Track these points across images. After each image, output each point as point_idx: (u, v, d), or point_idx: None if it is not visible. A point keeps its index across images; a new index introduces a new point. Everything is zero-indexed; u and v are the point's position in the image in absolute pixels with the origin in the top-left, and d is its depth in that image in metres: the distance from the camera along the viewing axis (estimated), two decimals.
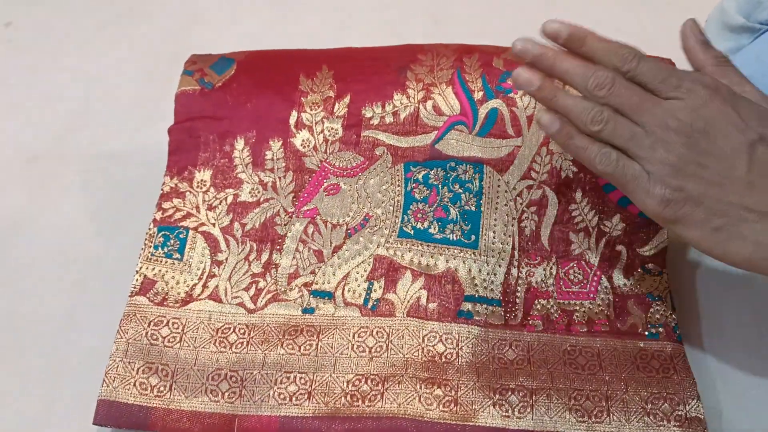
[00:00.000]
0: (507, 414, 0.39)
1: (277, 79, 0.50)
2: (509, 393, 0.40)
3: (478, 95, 0.47)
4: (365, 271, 0.45)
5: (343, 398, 0.40)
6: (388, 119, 0.47)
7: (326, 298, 0.44)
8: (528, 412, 0.39)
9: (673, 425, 0.38)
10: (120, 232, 0.54)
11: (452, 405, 0.40)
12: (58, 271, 0.52)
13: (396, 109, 0.47)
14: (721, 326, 0.46)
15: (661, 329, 0.42)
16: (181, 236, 0.47)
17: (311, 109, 0.48)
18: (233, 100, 0.49)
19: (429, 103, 0.47)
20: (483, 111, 0.47)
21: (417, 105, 0.47)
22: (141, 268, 0.46)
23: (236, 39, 0.74)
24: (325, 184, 0.47)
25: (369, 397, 0.40)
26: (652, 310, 0.43)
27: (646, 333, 0.42)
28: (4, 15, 0.77)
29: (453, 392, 0.40)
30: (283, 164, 0.48)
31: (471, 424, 0.39)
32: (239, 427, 0.40)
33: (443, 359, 0.41)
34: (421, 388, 0.40)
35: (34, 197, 0.58)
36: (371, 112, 0.48)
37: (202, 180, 0.48)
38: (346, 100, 0.48)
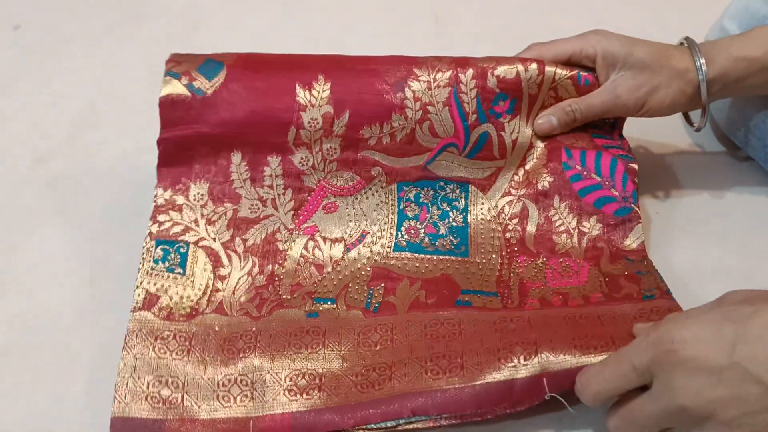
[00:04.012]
0: (514, 365, 0.39)
1: (272, 90, 0.48)
2: (513, 346, 0.40)
3: (472, 118, 0.49)
4: (365, 280, 0.46)
5: (353, 388, 0.41)
6: (385, 140, 0.48)
7: (329, 303, 0.45)
8: (533, 357, 0.39)
9: None
10: (128, 231, 0.55)
11: (458, 369, 0.40)
12: (67, 270, 0.53)
13: (393, 129, 0.48)
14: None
15: (655, 291, 0.44)
16: (181, 251, 0.47)
17: (310, 126, 0.48)
18: (226, 111, 0.47)
19: (425, 124, 0.48)
20: (474, 134, 0.49)
21: (414, 125, 0.48)
22: (142, 282, 0.45)
23: (240, 39, 0.75)
24: (324, 203, 0.48)
25: (378, 382, 0.41)
26: (643, 280, 0.45)
27: (642, 297, 0.43)
28: (12, 18, 0.78)
29: (458, 359, 0.40)
30: (282, 181, 0.48)
31: (480, 382, 0.39)
32: (254, 429, 0.40)
33: (447, 338, 0.42)
34: (426, 363, 0.41)
35: (42, 197, 0.59)
36: (369, 133, 0.48)
37: (199, 193, 0.48)
38: (345, 118, 0.48)
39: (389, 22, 0.76)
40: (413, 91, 0.48)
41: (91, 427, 0.43)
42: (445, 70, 0.48)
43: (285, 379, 0.42)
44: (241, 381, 0.42)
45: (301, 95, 0.47)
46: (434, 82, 0.48)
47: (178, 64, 0.48)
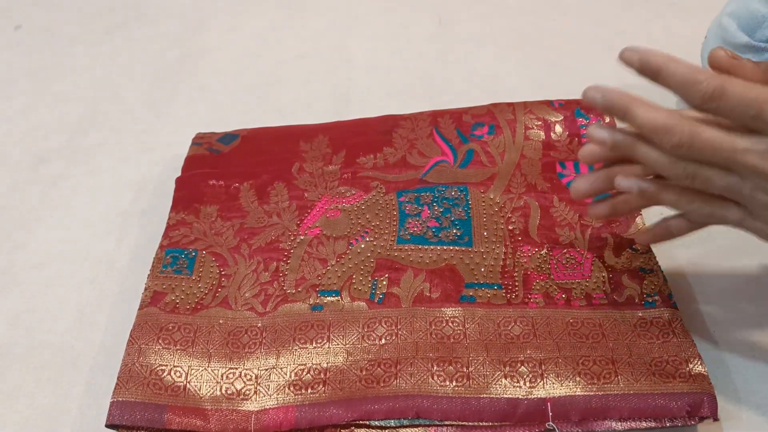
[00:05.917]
0: (518, 384, 0.40)
1: (279, 146, 0.57)
2: (519, 365, 0.41)
3: (455, 141, 0.55)
4: (369, 271, 0.47)
5: (358, 383, 0.41)
6: (380, 163, 0.54)
7: (333, 296, 0.46)
8: (539, 381, 0.40)
9: (678, 381, 0.40)
10: (129, 230, 0.55)
11: (465, 380, 0.41)
12: (69, 269, 0.53)
13: (386, 157, 0.54)
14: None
15: (656, 297, 0.44)
16: (189, 256, 0.49)
17: (312, 163, 0.55)
18: (239, 162, 0.55)
19: (414, 151, 0.55)
20: (461, 151, 0.54)
21: (404, 153, 0.55)
22: (149, 285, 0.47)
23: (241, 41, 0.75)
24: (327, 210, 0.51)
25: (383, 378, 0.41)
26: (646, 281, 0.45)
27: (643, 302, 0.44)
28: (13, 19, 0.78)
29: (464, 368, 0.41)
30: (287, 196, 0.52)
31: (486, 396, 0.40)
32: (256, 422, 0.40)
33: (451, 340, 0.43)
34: (433, 366, 0.42)
35: (44, 197, 0.59)
36: (365, 160, 0.54)
37: (208, 213, 0.52)
38: (342, 153, 0.55)
39: (391, 23, 0.76)
40: (399, 134, 0.56)
41: (92, 427, 0.43)
42: (425, 117, 0.57)
43: (290, 374, 0.42)
44: (245, 375, 0.42)
45: (303, 146, 0.56)
46: (417, 127, 0.56)
47: (201, 138, 0.58)
